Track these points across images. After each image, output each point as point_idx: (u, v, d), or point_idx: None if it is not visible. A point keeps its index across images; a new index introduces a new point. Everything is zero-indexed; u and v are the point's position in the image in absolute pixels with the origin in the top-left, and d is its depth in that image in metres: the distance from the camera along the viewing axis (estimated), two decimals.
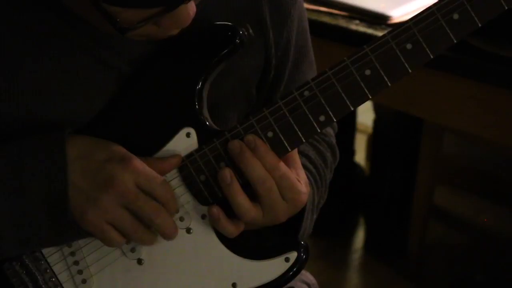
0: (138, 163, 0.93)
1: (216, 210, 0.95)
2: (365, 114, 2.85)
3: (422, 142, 2.43)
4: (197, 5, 0.91)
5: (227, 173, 0.94)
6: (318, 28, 1.74)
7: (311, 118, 0.95)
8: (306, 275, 1.27)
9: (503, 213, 2.77)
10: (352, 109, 0.96)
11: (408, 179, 2.49)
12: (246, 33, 0.98)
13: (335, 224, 2.66)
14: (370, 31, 1.70)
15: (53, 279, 0.99)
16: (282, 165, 0.95)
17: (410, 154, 2.47)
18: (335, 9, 1.79)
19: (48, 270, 0.99)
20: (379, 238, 2.60)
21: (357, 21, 1.73)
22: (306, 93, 0.95)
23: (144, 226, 0.94)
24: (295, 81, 1.10)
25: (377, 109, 2.53)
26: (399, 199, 2.53)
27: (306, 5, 1.79)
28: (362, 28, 1.71)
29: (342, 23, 1.75)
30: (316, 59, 1.16)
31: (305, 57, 1.13)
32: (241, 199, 0.94)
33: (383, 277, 2.49)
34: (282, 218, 0.97)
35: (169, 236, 0.96)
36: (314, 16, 1.78)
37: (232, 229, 0.96)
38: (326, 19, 1.77)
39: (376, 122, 2.56)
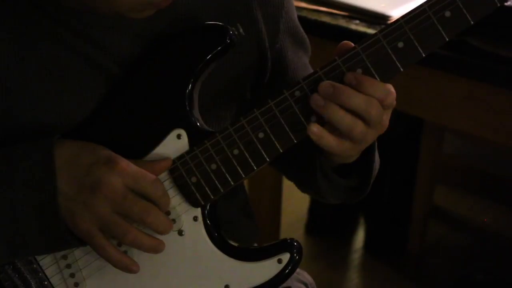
0: (125, 163, 0.92)
1: (316, 128, 0.91)
2: None
3: (422, 142, 2.43)
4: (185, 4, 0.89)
5: (333, 85, 0.91)
6: (318, 28, 1.74)
7: (302, 119, 0.94)
8: (303, 274, 1.26)
9: (503, 213, 2.77)
10: None
11: (408, 179, 2.49)
12: (236, 32, 0.96)
13: (335, 224, 2.66)
14: (370, 31, 1.69)
15: (46, 283, 0.99)
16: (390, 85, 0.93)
17: (410, 154, 2.47)
18: (335, 9, 1.78)
19: (40, 274, 0.98)
20: (379, 238, 2.60)
21: (357, 21, 1.73)
22: (297, 93, 0.93)
23: (137, 229, 0.93)
24: (300, 72, 1.09)
25: None
26: (399, 199, 2.53)
27: (306, 5, 1.79)
28: (362, 28, 1.70)
29: (342, 23, 1.74)
30: (316, 59, 1.16)
31: (303, 45, 1.12)
32: (344, 114, 0.91)
33: (383, 277, 2.49)
34: (383, 127, 0.95)
35: (163, 232, 0.94)
36: (314, 16, 1.77)
37: (335, 143, 0.92)
38: (326, 19, 1.76)
39: None
